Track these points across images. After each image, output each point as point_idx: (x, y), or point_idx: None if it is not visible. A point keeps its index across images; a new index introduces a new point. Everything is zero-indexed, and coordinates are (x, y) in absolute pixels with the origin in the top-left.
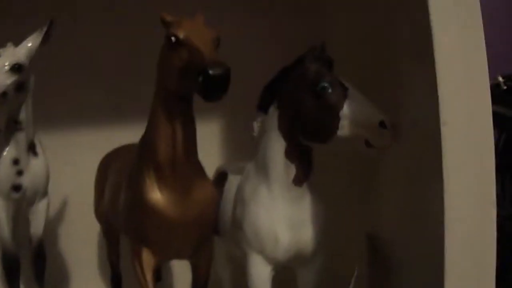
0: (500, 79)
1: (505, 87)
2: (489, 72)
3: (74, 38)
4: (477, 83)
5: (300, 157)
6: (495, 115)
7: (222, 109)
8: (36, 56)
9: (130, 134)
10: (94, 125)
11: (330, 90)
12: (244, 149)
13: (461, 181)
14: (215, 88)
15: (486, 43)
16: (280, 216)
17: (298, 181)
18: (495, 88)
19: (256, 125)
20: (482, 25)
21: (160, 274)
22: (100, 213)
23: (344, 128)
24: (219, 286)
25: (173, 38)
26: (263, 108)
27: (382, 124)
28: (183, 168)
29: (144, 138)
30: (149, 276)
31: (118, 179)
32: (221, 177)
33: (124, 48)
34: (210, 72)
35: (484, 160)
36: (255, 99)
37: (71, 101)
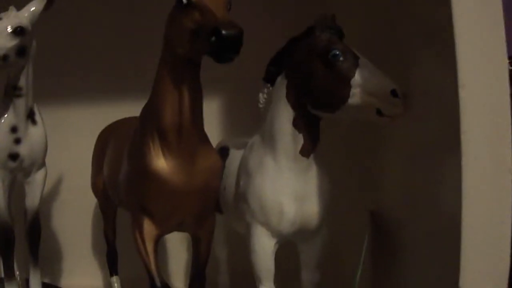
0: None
1: (510, 68)
2: None
3: (73, 15)
4: (494, 46)
5: (308, 127)
6: None
7: (222, 86)
8: (39, 21)
9: (129, 108)
10: (93, 97)
11: (341, 58)
12: (244, 125)
13: (479, 146)
14: (227, 48)
15: None
16: (286, 187)
17: (305, 151)
18: None
19: (262, 97)
20: None
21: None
22: (98, 187)
23: (355, 97)
24: (216, 266)
25: (184, 0)
26: (270, 78)
27: (394, 92)
28: (189, 135)
29: (148, 105)
30: (150, 248)
31: (118, 151)
32: (223, 151)
33: (122, 28)
34: (224, 32)
35: (501, 124)
36: (256, 75)
37: (69, 77)
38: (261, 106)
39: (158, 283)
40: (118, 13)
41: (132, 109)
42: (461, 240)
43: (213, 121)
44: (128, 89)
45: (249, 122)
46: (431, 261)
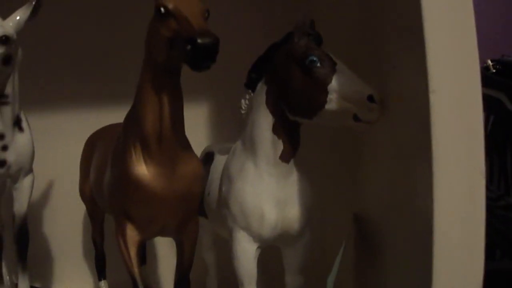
0: (489, 62)
1: (494, 70)
2: (480, 56)
3: (59, 23)
4: (466, 51)
5: (288, 132)
6: (484, 97)
7: (209, 92)
8: (25, 29)
9: (116, 114)
10: (80, 104)
11: (318, 64)
12: (230, 131)
13: (450, 149)
14: (203, 57)
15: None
16: (266, 192)
17: (285, 157)
18: (484, 71)
19: (244, 102)
20: None
21: (145, 258)
22: (85, 192)
23: (332, 102)
24: (204, 269)
25: (162, 9)
26: (251, 85)
27: (370, 98)
28: (170, 142)
29: (130, 112)
30: (133, 253)
31: (104, 157)
32: (208, 157)
33: (110, 30)
34: (199, 40)
35: (473, 129)
36: (243, 81)
37: (57, 83)
38: (243, 112)
39: (140, 287)
40: (105, 20)
41: (120, 115)
42: (433, 245)
43: (201, 126)
44: (116, 95)
45: (237, 128)
46: (410, 265)
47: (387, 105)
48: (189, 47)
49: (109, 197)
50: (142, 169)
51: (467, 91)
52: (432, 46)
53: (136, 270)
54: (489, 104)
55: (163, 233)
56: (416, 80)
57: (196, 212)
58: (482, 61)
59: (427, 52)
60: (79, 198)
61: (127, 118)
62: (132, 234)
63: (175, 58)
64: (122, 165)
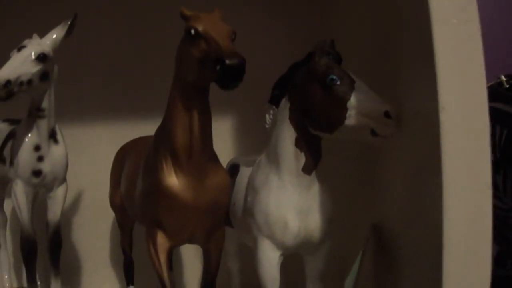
0: (503, 77)
1: (507, 86)
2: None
3: (92, 35)
4: (473, 73)
5: (310, 146)
6: (498, 112)
7: (234, 107)
8: (61, 47)
9: (145, 128)
10: (110, 118)
11: (338, 82)
12: (255, 144)
13: (458, 164)
14: (231, 77)
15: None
16: (289, 203)
17: (307, 169)
18: (498, 86)
19: (268, 118)
20: (478, 17)
21: (171, 265)
22: (116, 202)
23: (351, 118)
24: (229, 276)
25: (192, 31)
26: (275, 101)
27: (387, 114)
28: (199, 154)
29: (161, 126)
30: (163, 259)
31: (134, 168)
32: (233, 168)
33: (140, 46)
34: (227, 62)
35: (480, 144)
36: (267, 97)
37: (89, 95)
38: (267, 126)
39: None
40: (136, 35)
41: (149, 127)
42: (442, 253)
43: (227, 140)
44: (145, 108)
45: (260, 141)
46: (423, 273)
47: (402, 120)
48: (218, 67)
49: (140, 206)
50: (173, 180)
51: (474, 110)
52: (442, 68)
53: (166, 275)
54: (503, 118)
55: (191, 241)
56: (428, 99)
57: (223, 221)
58: (496, 76)
59: (437, 73)
60: (109, 207)
61: (158, 131)
62: (162, 242)
63: (205, 78)
64: (154, 176)
